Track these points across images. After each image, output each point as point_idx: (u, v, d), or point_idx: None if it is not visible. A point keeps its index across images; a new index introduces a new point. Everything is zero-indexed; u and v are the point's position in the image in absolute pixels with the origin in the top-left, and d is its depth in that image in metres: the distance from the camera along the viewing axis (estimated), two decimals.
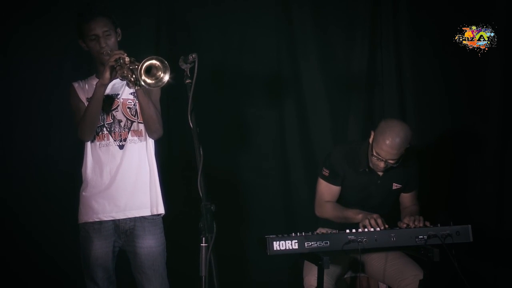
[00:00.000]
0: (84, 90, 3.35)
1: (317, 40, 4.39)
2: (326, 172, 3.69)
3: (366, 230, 3.32)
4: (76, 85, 3.38)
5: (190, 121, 2.86)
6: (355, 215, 3.53)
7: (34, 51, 3.90)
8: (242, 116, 4.34)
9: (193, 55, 2.89)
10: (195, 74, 2.85)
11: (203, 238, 2.73)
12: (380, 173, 3.66)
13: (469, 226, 3.37)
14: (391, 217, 3.70)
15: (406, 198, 3.79)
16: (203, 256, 2.72)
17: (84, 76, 3.45)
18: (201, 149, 2.82)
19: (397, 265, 3.54)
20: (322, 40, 4.40)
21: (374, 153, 3.54)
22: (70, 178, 3.78)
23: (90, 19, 3.25)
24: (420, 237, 3.33)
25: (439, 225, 3.36)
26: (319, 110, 4.40)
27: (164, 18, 4.20)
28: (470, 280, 3.31)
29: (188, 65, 2.92)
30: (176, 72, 3.27)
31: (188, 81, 2.90)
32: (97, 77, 3.36)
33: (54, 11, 3.91)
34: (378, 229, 3.33)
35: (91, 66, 3.49)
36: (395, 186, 3.71)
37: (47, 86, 3.93)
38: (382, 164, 3.55)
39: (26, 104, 3.95)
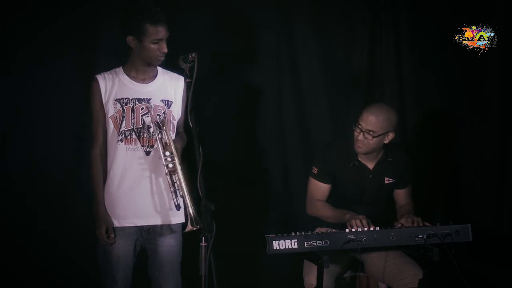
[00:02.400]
0: (108, 84, 3.29)
1: (317, 38, 4.38)
2: (315, 170, 3.72)
3: (356, 229, 3.32)
4: (100, 80, 3.30)
5: (189, 120, 2.87)
6: (343, 215, 3.55)
7: (35, 51, 3.89)
8: (241, 116, 4.34)
9: (193, 54, 2.89)
10: (195, 73, 2.85)
11: (203, 237, 2.74)
12: (371, 167, 3.68)
13: (469, 225, 3.38)
14: (387, 214, 3.72)
15: (400, 195, 3.79)
16: (203, 255, 2.73)
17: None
18: (200, 149, 2.83)
19: (396, 264, 3.54)
20: (322, 39, 4.39)
21: (356, 125, 3.57)
22: (72, 177, 3.81)
23: (159, 22, 3.21)
24: (419, 236, 3.33)
25: (438, 224, 3.37)
26: (319, 109, 4.40)
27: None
28: (469, 280, 3.32)
29: (188, 64, 2.93)
30: (176, 71, 3.30)
31: (187, 80, 2.91)
32: (125, 69, 3.34)
33: (55, 11, 3.90)
34: (365, 229, 3.33)
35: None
36: (387, 180, 3.72)
37: (48, 85, 3.93)
38: (360, 137, 3.56)
39: (26, 103, 3.95)
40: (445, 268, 3.28)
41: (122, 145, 3.28)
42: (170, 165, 3.21)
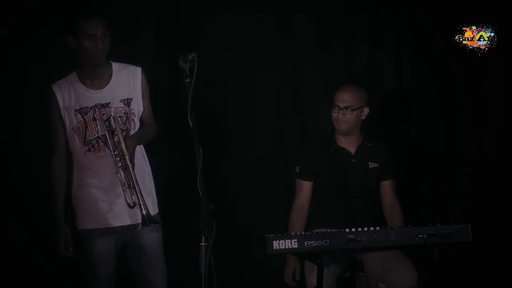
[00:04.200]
0: (65, 95, 3.29)
1: (317, 39, 4.39)
2: (297, 169, 3.81)
3: (365, 229, 3.32)
4: (56, 91, 3.30)
5: (189, 120, 2.87)
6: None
7: (33, 51, 3.90)
8: (241, 116, 4.34)
9: (193, 54, 2.89)
10: (194, 73, 2.85)
11: (203, 237, 2.75)
12: (352, 151, 3.75)
13: (469, 225, 3.37)
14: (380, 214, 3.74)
15: (386, 188, 3.80)
16: (203, 255, 2.73)
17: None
18: (200, 149, 2.83)
19: (393, 264, 3.55)
20: (322, 39, 4.40)
21: (333, 107, 3.73)
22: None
23: (89, 17, 3.18)
24: (419, 236, 3.33)
25: (438, 224, 3.37)
26: (319, 109, 4.39)
27: (164, 17, 4.21)
28: (469, 279, 3.32)
29: (188, 64, 2.92)
30: (176, 71, 3.29)
31: (187, 80, 2.91)
32: (78, 75, 3.32)
33: (54, 10, 3.90)
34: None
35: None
36: (372, 164, 3.77)
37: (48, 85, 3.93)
38: (339, 115, 3.70)
39: (26, 104, 3.95)
40: (445, 268, 3.28)
41: (91, 155, 3.30)
42: (119, 164, 3.23)
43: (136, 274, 3.44)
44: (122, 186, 3.26)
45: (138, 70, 3.41)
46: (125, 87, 3.36)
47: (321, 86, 4.41)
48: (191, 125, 2.87)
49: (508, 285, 4.23)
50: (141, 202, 3.21)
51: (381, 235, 3.31)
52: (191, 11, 4.21)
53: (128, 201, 3.27)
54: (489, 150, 4.39)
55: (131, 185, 3.24)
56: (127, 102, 3.35)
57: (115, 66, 3.38)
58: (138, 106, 3.39)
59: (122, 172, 3.25)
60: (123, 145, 3.24)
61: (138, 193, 3.23)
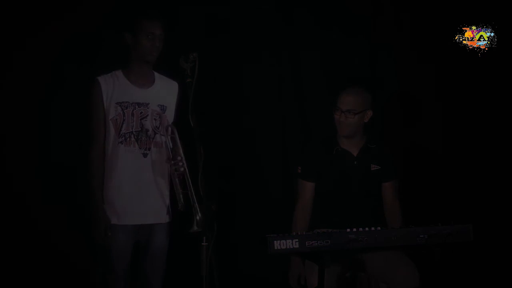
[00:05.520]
0: (109, 87, 3.35)
1: (318, 38, 4.40)
2: (299, 169, 3.79)
3: (366, 229, 3.32)
4: (102, 82, 3.36)
5: (190, 120, 2.88)
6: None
7: (36, 50, 3.91)
8: (241, 117, 4.34)
9: (194, 54, 2.91)
10: (195, 74, 2.86)
11: (204, 237, 2.75)
12: (355, 153, 3.73)
13: (470, 225, 3.37)
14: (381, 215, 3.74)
15: (387, 190, 3.78)
16: (204, 255, 2.73)
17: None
18: (201, 149, 2.84)
19: (394, 264, 3.55)
20: (323, 39, 4.41)
21: (336, 109, 3.68)
22: (72, 177, 3.82)
23: (153, 17, 3.33)
24: (421, 236, 3.31)
25: (439, 224, 3.37)
26: (320, 109, 4.40)
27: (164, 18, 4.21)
28: (470, 280, 3.32)
29: (189, 64, 2.94)
30: (177, 72, 3.30)
31: (188, 80, 2.92)
32: (124, 71, 3.41)
33: (58, 10, 3.92)
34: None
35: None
36: (374, 167, 3.75)
37: (49, 84, 3.94)
38: (342, 118, 3.66)
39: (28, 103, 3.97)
40: (446, 268, 3.28)
41: (122, 147, 3.35)
42: (181, 169, 3.27)
43: (138, 271, 3.47)
44: (179, 189, 3.31)
45: (176, 84, 3.49)
46: (164, 94, 3.46)
47: (322, 86, 4.41)
48: (192, 125, 2.87)
49: (508, 285, 4.24)
50: (196, 206, 3.22)
51: (382, 235, 3.29)
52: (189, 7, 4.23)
53: (179, 204, 3.30)
54: (490, 150, 4.39)
55: (185, 189, 3.27)
56: (163, 108, 3.44)
57: (157, 75, 3.48)
58: (171, 115, 3.47)
59: (176, 179, 3.31)
60: (181, 151, 3.29)
61: (191, 198, 3.23)
